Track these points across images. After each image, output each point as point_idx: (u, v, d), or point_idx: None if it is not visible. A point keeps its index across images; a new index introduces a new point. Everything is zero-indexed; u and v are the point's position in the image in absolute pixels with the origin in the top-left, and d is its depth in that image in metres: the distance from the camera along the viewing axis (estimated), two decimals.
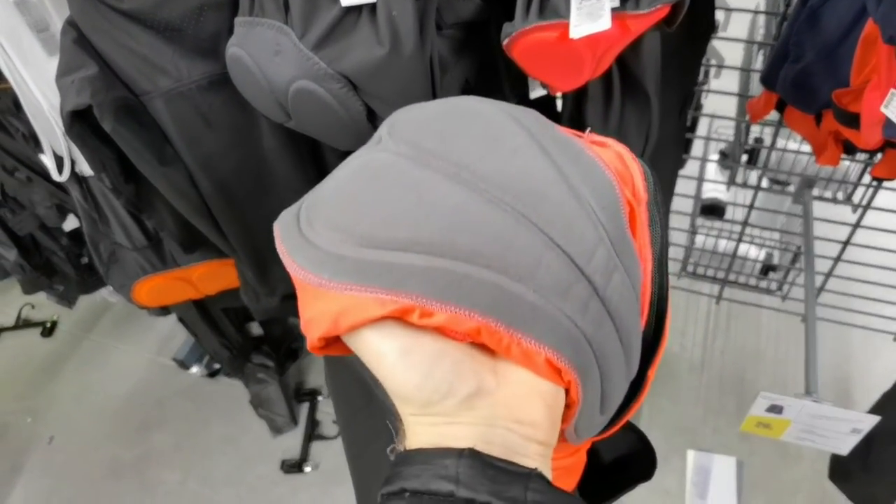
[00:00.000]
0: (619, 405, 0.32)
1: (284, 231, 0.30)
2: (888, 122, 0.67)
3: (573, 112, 0.79)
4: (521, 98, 0.81)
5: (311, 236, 0.29)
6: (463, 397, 0.27)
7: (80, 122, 0.73)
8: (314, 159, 0.84)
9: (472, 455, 0.26)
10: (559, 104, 0.76)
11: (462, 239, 0.27)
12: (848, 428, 0.87)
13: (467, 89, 0.74)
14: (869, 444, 0.96)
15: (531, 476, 0.26)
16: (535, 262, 0.27)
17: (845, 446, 0.90)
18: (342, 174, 0.31)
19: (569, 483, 0.40)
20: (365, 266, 0.27)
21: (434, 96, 0.65)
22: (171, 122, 0.77)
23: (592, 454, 0.44)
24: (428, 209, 0.27)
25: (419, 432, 0.28)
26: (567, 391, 0.29)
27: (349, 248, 0.27)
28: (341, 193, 0.30)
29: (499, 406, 0.28)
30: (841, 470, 1.07)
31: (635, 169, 0.32)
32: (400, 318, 0.27)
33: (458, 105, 0.32)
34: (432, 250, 0.27)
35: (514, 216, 0.27)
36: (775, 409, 0.88)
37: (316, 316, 0.28)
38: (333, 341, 0.31)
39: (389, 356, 0.27)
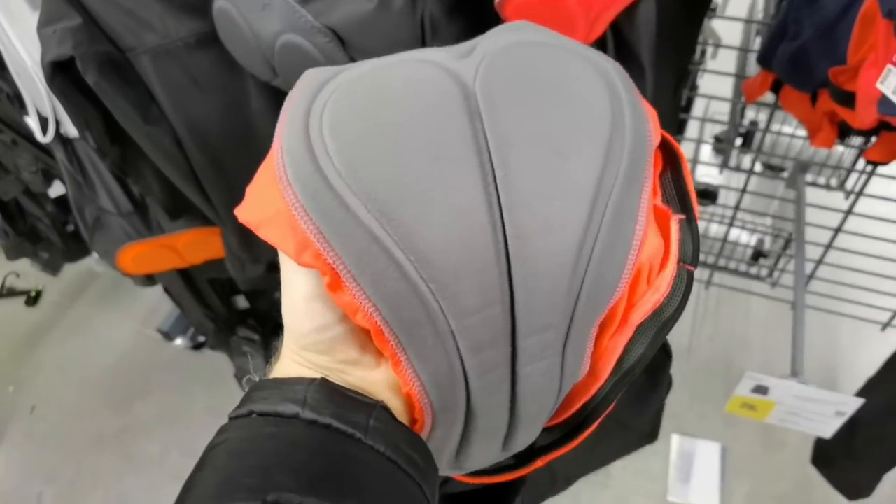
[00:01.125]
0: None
1: (291, 134, 0.26)
2: (883, 98, 0.66)
3: None
4: None
5: (316, 144, 0.26)
6: (339, 361, 0.28)
7: (62, 75, 0.71)
8: None
9: (323, 382, 0.26)
10: None
11: (429, 238, 0.24)
12: (832, 410, 0.86)
13: None
14: (852, 429, 0.96)
15: (376, 406, 0.26)
16: (480, 305, 0.25)
17: (829, 429, 0.90)
18: (388, 79, 0.27)
19: None
20: (332, 208, 0.25)
21: None
22: (157, 80, 0.75)
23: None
24: (434, 198, 0.24)
25: (284, 367, 0.29)
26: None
27: (342, 184, 0.25)
28: (368, 107, 0.26)
29: (367, 382, 0.28)
30: (824, 455, 1.07)
31: (662, 287, 0.28)
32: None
33: (566, 76, 0.27)
34: (400, 235, 0.24)
35: (497, 248, 0.25)
36: (760, 389, 0.88)
37: (255, 198, 0.27)
38: None
39: (297, 292, 0.27)
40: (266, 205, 0.26)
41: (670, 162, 0.30)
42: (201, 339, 1.76)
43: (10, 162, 1.30)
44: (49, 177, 1.35)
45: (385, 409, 0.27)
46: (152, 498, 1.53)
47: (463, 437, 0.29)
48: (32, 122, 0.97)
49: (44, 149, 1.24)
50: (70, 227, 1.53)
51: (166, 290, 1.51)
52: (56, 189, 1.38)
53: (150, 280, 1.41)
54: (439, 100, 0.26)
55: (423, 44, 0.64)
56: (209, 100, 0.77)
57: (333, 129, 0.26)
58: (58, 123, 0.95)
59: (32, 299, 1.95)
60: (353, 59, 0.61)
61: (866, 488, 1.03)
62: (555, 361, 0.27)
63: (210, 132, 0.80)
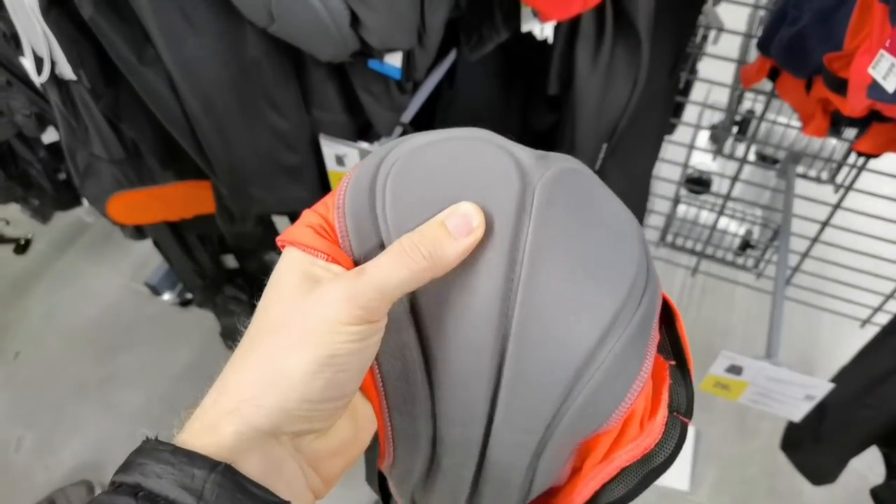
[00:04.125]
0: None
1: (357, 185, 0.28)
2: (874, 83, 0.67)
3: (564, 49, 0.78)
4: (513, 33, 0.79)
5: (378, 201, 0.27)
6: (290, 430, 0.26)
7: (57, 8, 0.71)
8: (296, 75, 0.82)
9: (226, 473, 0.23)
10: (550, 37, 0.75)
11: (438, 306, 0.27)
12: (802, 394, 0.88)
13: (457, 13, 0.72)
14: (821, 415, 0.98)
15: None
16: (463, 383, 0.27)
17: (798, 412, 0.92)
18: (456, 150, 0.27)
19: None
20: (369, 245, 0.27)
21: (422, 10, 0.64)
22: (153, 19, 0.75)
23: None
24: (456, 272, 0.26)
25: (207, 419, 0.25)
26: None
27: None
28: (429, 191, 0.27)
29: (308, 448, 0.27)
30: (792, 439, 1.09)
31: (652, 435, 0.28)
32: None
33: (614, 216, 0.28)
34: (412, 296, 0.27)
35: (497, 336, 0.26)
36: (734, 369, 0.89)
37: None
38: None
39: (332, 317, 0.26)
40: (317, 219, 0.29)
41: (664, 314, 0.31)
42: (188, 296, 1.77)
43: (4, 103, 1.29)
44: (43, 122, 1.34)
45: None
46: (131, 447, 1.53)
47: (428, 478, 0.31)
48: (27, 61, 0.96)
49: (38, 92, 1.23)
50: (62, 176, 1.53)
51: (156, 244, 1.51)
52: (49, 136, 1.38)
53: (139, 233, 1.41)
54: (499, 189, 0.26)
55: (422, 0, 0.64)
56: (205, 44, 0.77)
57: (394, 188, 0.27)
58: (53, 64, 0.94)
59: (22, 247, 1.95)
60: (350, 8, 0.61)
61: (830, 475, 1.05)
62: (525, 462, 0.28)
63: (204, 77, 0.80)
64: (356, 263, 0.27)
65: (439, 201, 0.26)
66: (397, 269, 0.25)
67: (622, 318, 0.26)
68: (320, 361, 0.24)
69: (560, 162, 0.28)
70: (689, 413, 0.29)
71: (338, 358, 0.24)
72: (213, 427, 0.25)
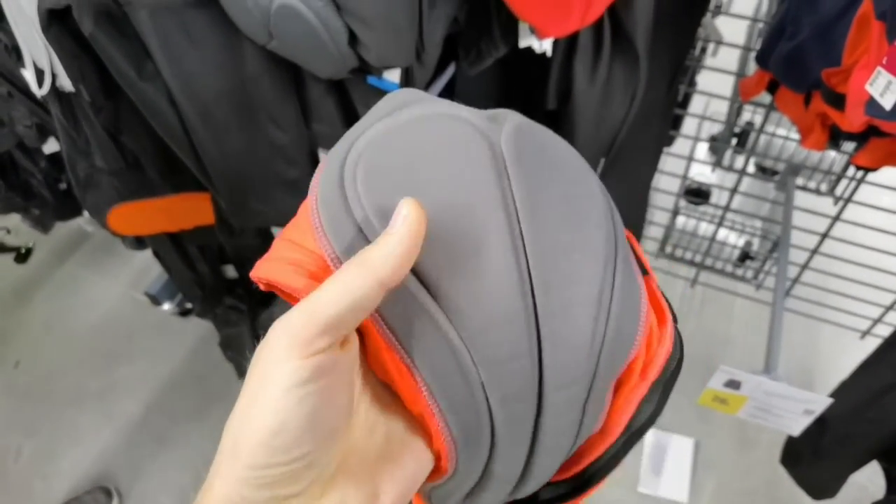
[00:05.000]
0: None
1: (327, 185, 0.27)
2: (871, 100, 0.67)
3: (563, 64, 0.78)
4: (512, 48, 0.80)
5: (349, 192, 0.26)
6: (281, 496, 0.23)
7: (58, 24, 0.71)
8: (296, 90, 0.83)
9: None
10: (549, 51, 0.75)
11: (460, 287, 0.25)
12: (801, 409, 0.88)
13: (456, 29, 0.73)
14: (821, 429, 0.98)
15: None
16: (508, 356, 0.25)
17: (797, 427, 0.91)
18: (413, 131, 0.28)
19: None
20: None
21: (420, 28, 0.64)
22: (153, 35, 0.75)
23: None
24: (464, 249, 0.25)
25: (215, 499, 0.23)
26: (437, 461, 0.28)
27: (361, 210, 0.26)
28: (405, 175, 0.26)
29: None
30: (792, 453, 1.09)
31: (666, 343, 0.29)
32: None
33: (572, 156, 0.30)
34: (430, 285, 0.25)
35: (525, 300, 0.25)
36: (733, 384, 0.89)
37: (281, 250, 0.27)
38: None
39: (273, 388, 0.22)
40: (295, 253, 0.27)
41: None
42: (188, 305, 1.76)
43: (5, 114, 1.30)
44: (44, 133, 1.35)
45: None
46: (130, 457, 1.54)
47: (477, 485, 0.28)
48: (29, 74, 0.97)
49: (39, 103, 1.23)
50: (62, 186, 1.53)
51: (156, 254, 1.51)
52: (50, 146, 1.38)
53: (140, 243, 1.41)
54: (471, 156, 0.27)
55: (421, 15, 0.64)
56: (205, 59, 0.77)
57: (367, 181, 0.26)
58: (54, 77, 0.94)
59: (22, 256, 1.95)
60: (348, 26, 0.62)
61: (831, 489, 1.05)
62: (575, 418, 0.27)
63: (203, 92, 0.80)
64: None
65: (416, 181, 0.26)
66: (335, 288, 0.23)
67: (611, 243, 0.27)
68: (267, 427, 0.22)
69: (507, 117, 0.29)
70: (674, 317, 0.31)
71: (283, 417, 0.22)
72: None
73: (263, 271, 0.27)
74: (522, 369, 0.25)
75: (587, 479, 0.31)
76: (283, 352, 0.22)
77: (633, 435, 0.30)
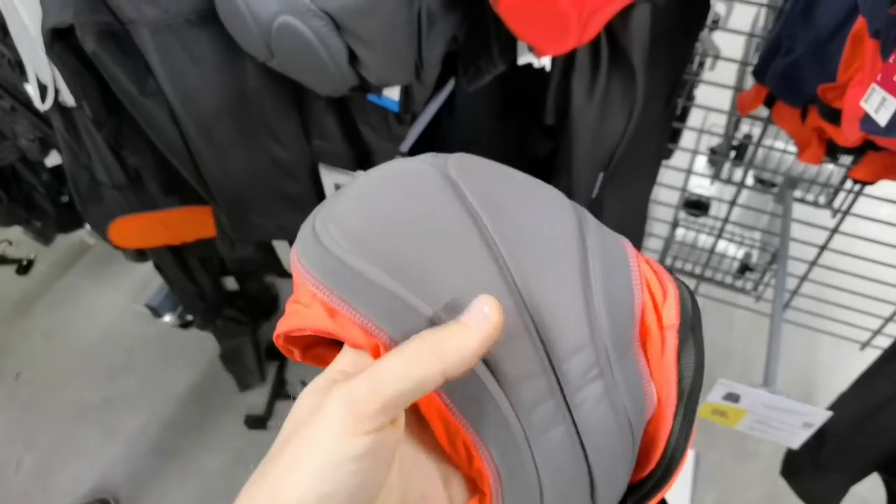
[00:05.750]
0: None
1: (302, 237, 0.28)
2: (866, 116, 0.67)
3: (560, 81, 0.79)
4: (510, 64, 0.81)
5: (323, 232, 0.27)
6: None
7: (61, 42, 0.72)
8: (296, 106, 0.83)
9: None
10: (547, 66, 0.76)
11: (447, 283, 0.25)
12: (800, 422, 0.88)
13: (455, 47, 0.73)
14: (821, 441, 0.98)
15: None
16: (506, 337, 0.25)
17: (797, 440, 0.91)
18: (374, 176, 0.29)
19: None
20: (349, 279, 0.26)
21: (419, 47, 0.65)
22: (155, 53, 0.76)
23: None
24: (438, 247, 0.26)
25: None
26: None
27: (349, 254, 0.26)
28: (362, 198, 0.28)
29: None
30: (792, 465, 1.09)
31: (671, 290, 0.29)
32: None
33: (519, 174, 0.31)
34: (416, 289, 0.25)
35: (507, 281, 0.26)
36: (732, 397, 0.89)
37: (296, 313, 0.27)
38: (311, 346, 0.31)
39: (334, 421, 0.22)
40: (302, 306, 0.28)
41: None
42: (189, 317, 1.77)
43: (8, 128, 1.31)
44: (46, 146, 1.36)
45: None
46: (131, 469, 1.54)
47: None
48: (32, 89, 0.97)
49: (42, 117, 1.24)
50: (64, 198, 1.54)
51: (157, 267, 1.52)
52: (52, 159, 1.39)
53: (141, 255, 1.42)
54: (422, 178, 0.28)
55: (419, 35, 0.65)
56: (206, 77, 0.78)
57: (335, 218, 0.27)
58: (57, 92, 0.95)
59: (24, 268, 1.96)
60: (348, 44, 0.62)
61: (832, 501, 1.04)
62: (607, 383, 0.26)
63: (205, 108, 0.81)
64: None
65: (382, 211, 0.27)
66: (400, 362, 0.23)
67: (574, 210, 0.29)
68: (315, 493, 0.22)
69: (449, 154, 0.31)
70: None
71: (332, 487, 0.22)
72: None
73: (284, 326, 0.27)
74: (524, 346, 0.25)
75: (668, 464, 0.29)
76: (340, 422, 0.22)
77: (690, 397, 0.28)
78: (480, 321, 0.24)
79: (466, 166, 0.29)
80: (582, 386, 0.26)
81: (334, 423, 0.22)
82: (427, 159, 0.29)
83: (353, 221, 0.27)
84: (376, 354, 0.25)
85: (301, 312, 0.27)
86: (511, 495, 0.26)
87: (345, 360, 0.26)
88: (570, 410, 0.26)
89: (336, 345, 0.27)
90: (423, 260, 0.26)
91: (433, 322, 0.25)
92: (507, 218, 0.27)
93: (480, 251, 0.26)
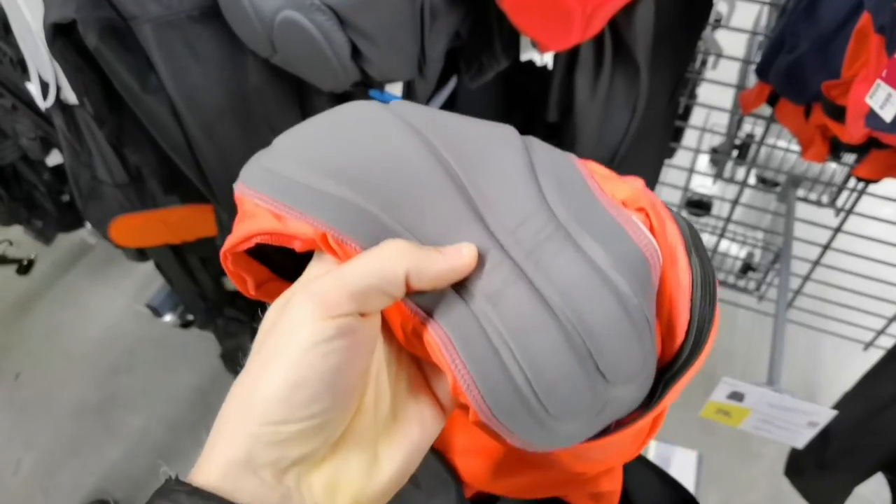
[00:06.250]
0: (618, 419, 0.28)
1: (245, 168, 0.30)
2: (871, 112, 0.67)
3: (563, 77, 0.79)
4: (513, 61, 0.80)
5: (266, 160, 0.28)
6: (291, 458, 0.23)
7: (63, 38, 0.72)
8: (299, 102, 0.83)
9: None
10: (550, 63, 0.76)
11: (377, 171, 0.26)
12: (805, 421, 0.87)
13: (458, 43, 0.73)
14: (825, 441, 0.97)
15: None
16: (449, 229, 0.25)
17: (801, 439, 0.91)
18: (311, 120, 0.30)
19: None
20: (293, 187, 0.27)
21: (422, 42, 0.65)
22: (157, 50, 0.76)
23: None
24: (375, 151, 0.27)
25: (215, 463, 0.23)
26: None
27: (299, 173, 0.27)
28: (317, 129, 0.29)
29: (303, 484, 0.24)
30: (796, 466, 1.08)
31: (658, 204, 0.28)
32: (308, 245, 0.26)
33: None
34: (352, 185, 0.26)
35: (448, 172, 0.27)
36: (736, 396, 0.89)
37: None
38: (265, 282, 0.31)
39: (297, 343, 0.23)
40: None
41: None
42: (190, 317, 1.76)
43: (9, 127, 1.31)
44: (47, 145, 1.36)
45: None
46: (131, 470, 1.53)
47: (534, 391, 0.25)
48: (33, 87, 0.97)
49: (43, 116, 1.24)
50: (65, 198, 1.54)
51: (157, 266, 1.51)
52: (54, 158, 1.39)
53: (142, 255, 1.41)
54: (362, 107, 0.29)
55: (422, 30, 0.64)
56: (208, 73, 0.78)
57: (276, 149, 0.29)
58: (58, 89, 0.95)
59: (24, 268, 1.95)
60: (350, 39, 0.62)
61: (835, 501, 1.04)
62: (562, 237, 0.25)
63: (207, 105, 0.80)
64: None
65: (325, 129, 0.29)
66: (365, 260, 0.24)
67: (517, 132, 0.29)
68: (288, 381, 0.23)
69: None
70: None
71: (305, 372, 0.23)
72: (202, 469, 0.24)
73: (230, 240, 0.28)
74: (452, 204, 0.26)
75: (696, 337, 0.27)
76: (308, 314, 0.23)
77: (702, 285, 0.27)
78: (454, 252, 0.25)
79: (405, 105, 0.30)
80: (534, 248, 0.25)
81: (301, 313, 0.23)
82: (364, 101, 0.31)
83: (294, 147, 0.28)
84: (329, 250, 0.26)
85: (245, 223, 0.27)
86: (476, 364, 0.24)
87: (312, 269, 0.27)
88: (525, 272, 0.25)
89: (291, 282, 0.27)
90: (368, 167, 0.26)
91: (382, 221, 0.25)
92: (449, 130, 0.28)
93: (426, 156, 0.27)
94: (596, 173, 0.29)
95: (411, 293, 0.25)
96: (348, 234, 0.25)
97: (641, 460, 0.44)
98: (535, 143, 0.29)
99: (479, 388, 0.24)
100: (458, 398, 0.25)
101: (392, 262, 0.24)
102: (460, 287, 0.25)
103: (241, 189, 0.28)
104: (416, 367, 0.29)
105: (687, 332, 0.27)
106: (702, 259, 0.27)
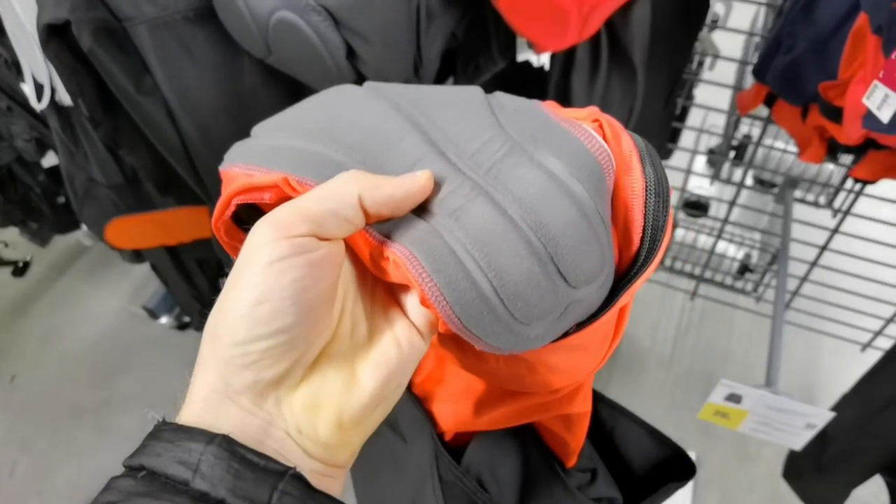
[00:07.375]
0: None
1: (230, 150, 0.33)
2: (868, 113, 0.67)
3: (560, 78, 0.78)
4: (510, 61, 0.80)
5: (244, 140, 0.33)
6: (266, 379, 0.24)
7: (57, 39, 0.72)
8: (294, 103, 0.83)
9: (223, 443, 0.23)
10: (546, 64, 0.76)
11: (344, 115, 0.30)
12: (803, 423, 0.87)
13: (454, 44, 0.73)
14: (823, 443, 0.97)
15: (285, 475, 0.23)
16: (411, 163, 0.27)
17: (799, 441, 0.91)
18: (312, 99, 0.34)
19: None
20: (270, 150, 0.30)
21: (418, 43, 0.65)
22: (152, 51, 0.75)
23: (623, 467, 0.43)
24: (347, 101, 0.31)
25: (198, 395, 0.25)
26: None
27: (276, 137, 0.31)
28: (295, 108, 0.33)
29: (284, 407, 0.25)
30: (794, 468, 1.08)
31: (617, 127, 0.29)
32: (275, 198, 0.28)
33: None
34: (328, 142, 0.29)
35: (411, 120, 0.29)
36: (734, 398, 0.88)
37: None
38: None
39: (257, 261, 0.24)
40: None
41: None
42: (186, 319, 1.76)
43: (4, 128, 1.30)
44: (43, 147, 1.35)
45: (297, 476, 0.23)
46: None
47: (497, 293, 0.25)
48: (28, 88, 0.97)
49: (38, 117, 1.24)
50: (61, 199, 1.53)
51: (153, 268, 1.51)
52: (49, 160, 1.38)
53: (138, 257, 1.41)
54: (338, 87, 0.33)
55: (418, 31, 0.64)
56: (203, 74, 0.77)
57: (255, 127, 0.32)
58: (53, 91, 0.95)
59: (20, 270, 1.94)
60: (346, 40, 0.62)
61: (833, 503, 1.04)
62: (517, 153, 0.26)
63: (202, 105, 0.80)
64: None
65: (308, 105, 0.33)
66: (320, 188, 0.25)
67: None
68: (248, 299, 0.23)
69: None
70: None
71: (263, 288, 0.23)
72: (187, 403, 0.25)
73: (217, 209, 0.29)
74: (413, 143, 0.28)
75: (651, 239, 0.28)
76: (264, 235, 0.24)
77: (658, 196, 0.28)
78: (408, 177, 0.26)
79: (379, 83, 0.33)
80: (493, 166, 0.26)
81: (259, 236, 0.24)
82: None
83: (270, 122, 0.32)
84: (294, 192, 0.27)
85: (227, 191, 0.28)
86: (442, 275, 0.25)
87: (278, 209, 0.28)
88: (485, 188, 0.26)
89: None
90: (334, 124, 0.29)
91: (346, 165, 0.27)
92: (418, 92, 0.30)
93: (388, 110, 0.29)
94: (557, 108, 0.30)
95: (373, 222, 0.26)
96: (311, 178, 0.27)
97: (631, 417, 0.46)
98: (499, 93, 0.31)
99: (446, 298, 0.25)
100: (428, 309, 0.27)
101: (343, 186, 0.25)
102: (422, 211, 0.26)
103: (222, 168, 0.31)
104: (391, 295, 0.30)
105: (642, 238, 0.28)
106: (656, 168, 0.28)
